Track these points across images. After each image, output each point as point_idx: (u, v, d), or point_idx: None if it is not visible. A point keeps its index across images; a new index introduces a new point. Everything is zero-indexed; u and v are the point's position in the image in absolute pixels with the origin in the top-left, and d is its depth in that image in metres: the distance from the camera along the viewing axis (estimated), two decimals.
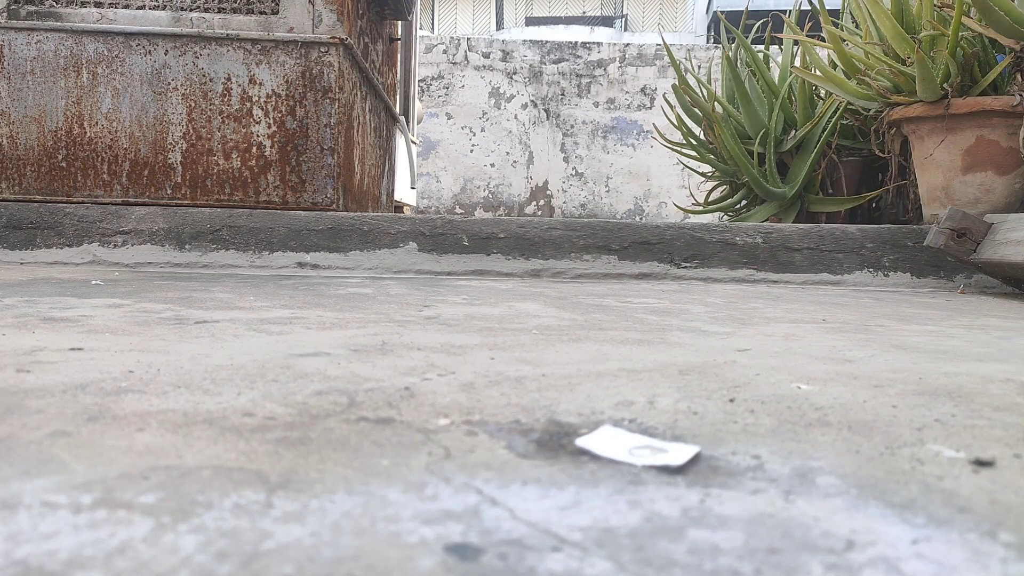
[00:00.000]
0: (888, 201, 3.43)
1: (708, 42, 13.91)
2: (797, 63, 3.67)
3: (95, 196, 2.89)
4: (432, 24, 22.15)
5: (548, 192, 8.23)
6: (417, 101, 5.28)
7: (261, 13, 2.93)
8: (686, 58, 7.21)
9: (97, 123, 2.90)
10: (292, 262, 2.51)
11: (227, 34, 2.89)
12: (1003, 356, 1.09)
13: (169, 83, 2.90)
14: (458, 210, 8.15)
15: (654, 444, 0.59)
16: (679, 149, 4.04)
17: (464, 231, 2.58)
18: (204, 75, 2.90)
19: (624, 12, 22.23)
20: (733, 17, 4.67)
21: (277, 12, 2.92)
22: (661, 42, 5.94)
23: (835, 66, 3.33)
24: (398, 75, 4.63)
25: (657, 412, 0.71)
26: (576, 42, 8.31)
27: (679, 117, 3.93)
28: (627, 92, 8.19)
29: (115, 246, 2.52)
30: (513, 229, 2.59)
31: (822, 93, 3.59)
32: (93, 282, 1.89)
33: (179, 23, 2.90)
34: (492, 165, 8.21)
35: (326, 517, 0.44)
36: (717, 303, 1.80)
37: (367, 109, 3.53)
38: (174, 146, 2.91)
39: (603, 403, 0.74)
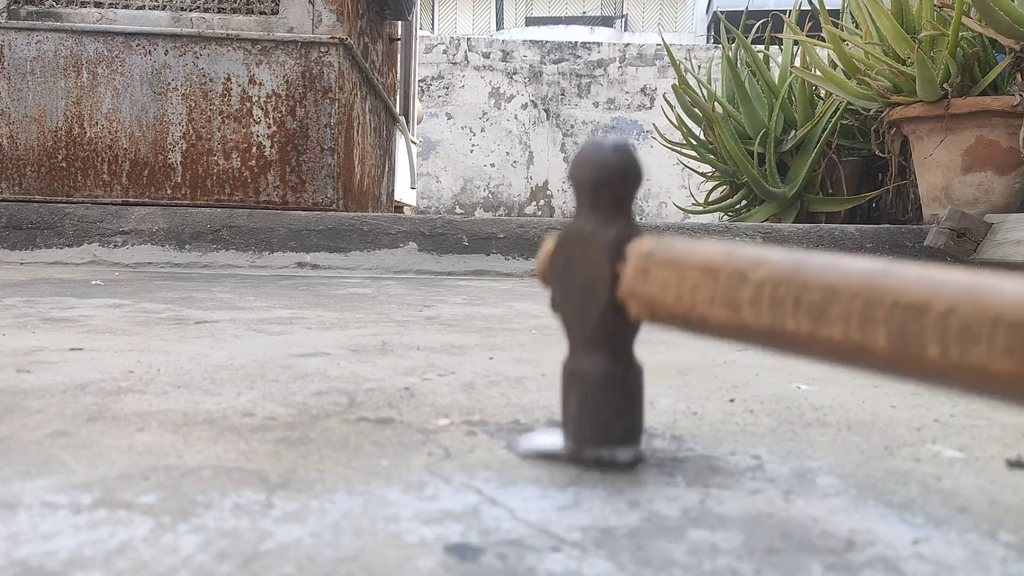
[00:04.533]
0: (888, 201, 3.43)
1: (708, 42, 13.90)
2: (797, 63, 3.67)
3: (95, 196, 2.89)
4: (432, 24, 22.14)
5: (548, 192, 8.23)
6: (417, 101, 5.28)
7: (261, 13, 2.93)
8: (686, 58, 7.21)
9: (97, 123, 2.90)
10: (292, 262, 2.51)
11: (227, 34, 2.89)
12: None
13: (169, 83, 2.90)
14: (458, 210, 8.16)
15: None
16: (679, 149, 4.04)
17: (464, 231, 2.58)
18: (204, 75, 2.90)
19: (624, 12, 22.23)
20: (733, 17, 4.68)
21: (277, 12, 2.92)
22: (661, 42, 5.94)
23: (835, 66, 3.33)
24: (398, 75, 4.63)
25: (656, 412, 0.71)
26: (576, 42, 8.31)
27: (679, 117, 3.93)
28: (627, 92, 8.18)
29: (115, 246, 2.53)
30: (513, 229, 2.59)
31: (822, 93, 3.59)
32: (93, 282, 1.89)
33: (179, 23, 2.90)
34: (492, 165, 8.21)
35: (326, 517, 0.45)
36: None
37: (367, 109, 3.53)
38: (174, 146, 2.91)
39: None
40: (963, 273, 0.36)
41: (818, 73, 3.30)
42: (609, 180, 0.52)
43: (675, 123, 3.95)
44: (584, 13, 22.11)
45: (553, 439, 0.57)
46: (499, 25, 22.03)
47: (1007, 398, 0.33)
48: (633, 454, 0.55)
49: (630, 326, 0.53)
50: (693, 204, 4.20)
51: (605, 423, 0.53)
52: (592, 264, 0.52)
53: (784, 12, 3.80)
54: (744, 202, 3.80)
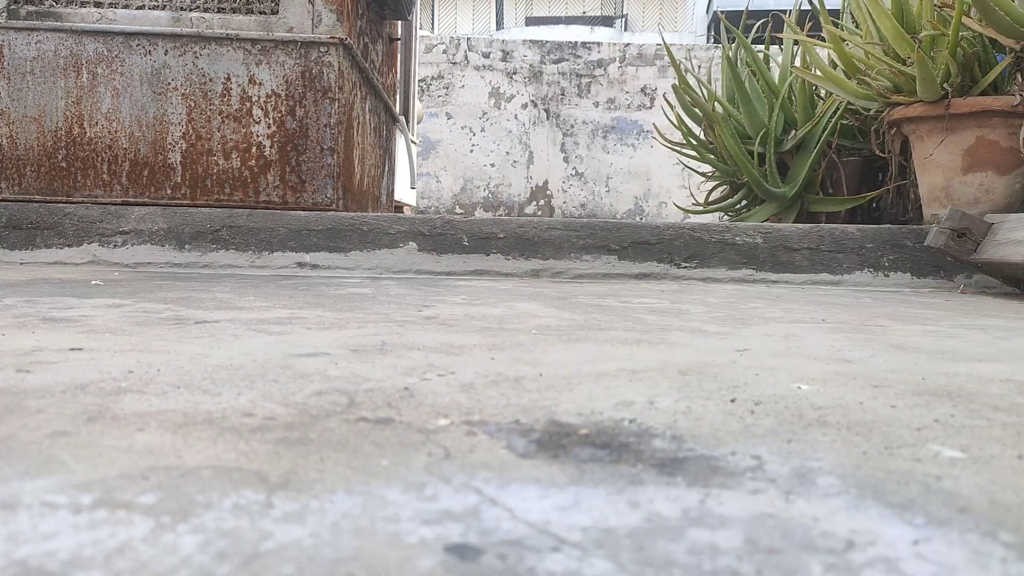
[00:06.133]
0: (888, 201, 3.43)
1: (708, 42, 13.89)
2: (797, 63, 3.67)
3: (95, 196, 2.89)
4: (432, 24, 22.13)
5: (548, 192, 8.23)
6: (417, 101, 5.28)
7: (261, 13, 2.93)
8: (686, 58, 7.21)
9: (97, 123, 2.90)
10: (292, 262, 2.51)
11: (227, 34, 2.89)
12: (1003, 356, 1.09)
13: (169, 83, 2.90)
14: (458, 210, 8.15)
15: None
16: (679, 149, 4.04)
17: (464, 231, 2.58)
18: (204, 75, 2.90)
19: (624, 12, 22.23)
20: (733, 17, 4.67)
21: (277, 12, 2.92)
22: (661, 42, 5.94)
23: (835, 66, 3.33)
24: (398, 75, 4.63)
25: (657, 412, 0.71)
26: (576, 42, 8.31)
27: (679, 117, 3.93)
28: (627, 92, 8.18)
29: (115, 246, 2.52)
30: (513, 229, 2.59)
31: (822, 93, 3.59)
32: (93, 282, 1.89)
33: (179, 23, 2.90)
34: (492, 165, 8.21)
35: (326, 517, 0.44)
36: (717, 303, 1.80)
37: (367, 109, 3.53)
38: (174, 146, 2.91)
39: (603, 403, 0.74)
40: None
41: (818, 73, 3.30)
42: None
43: (675, 123, 3.95)
44: (584, 13, 22.11)
45: None
46: (499, 25, 22.02)
47: None
48: None
49: None
50: (693, 204, 4.20)
51: None
52: None
53: (784, 12, 3.80)
54: (744, 202, 3.80)
